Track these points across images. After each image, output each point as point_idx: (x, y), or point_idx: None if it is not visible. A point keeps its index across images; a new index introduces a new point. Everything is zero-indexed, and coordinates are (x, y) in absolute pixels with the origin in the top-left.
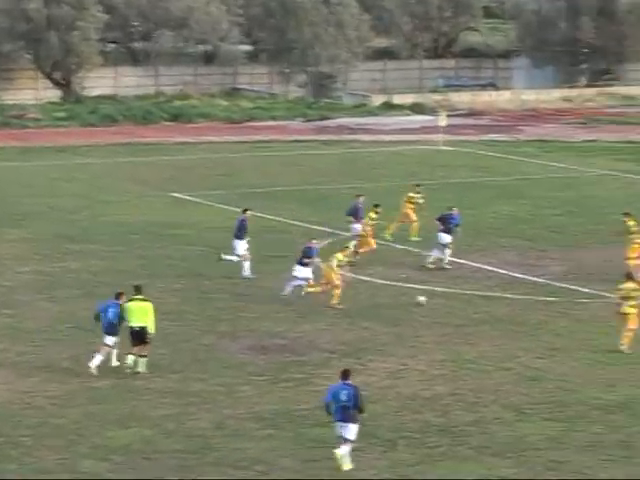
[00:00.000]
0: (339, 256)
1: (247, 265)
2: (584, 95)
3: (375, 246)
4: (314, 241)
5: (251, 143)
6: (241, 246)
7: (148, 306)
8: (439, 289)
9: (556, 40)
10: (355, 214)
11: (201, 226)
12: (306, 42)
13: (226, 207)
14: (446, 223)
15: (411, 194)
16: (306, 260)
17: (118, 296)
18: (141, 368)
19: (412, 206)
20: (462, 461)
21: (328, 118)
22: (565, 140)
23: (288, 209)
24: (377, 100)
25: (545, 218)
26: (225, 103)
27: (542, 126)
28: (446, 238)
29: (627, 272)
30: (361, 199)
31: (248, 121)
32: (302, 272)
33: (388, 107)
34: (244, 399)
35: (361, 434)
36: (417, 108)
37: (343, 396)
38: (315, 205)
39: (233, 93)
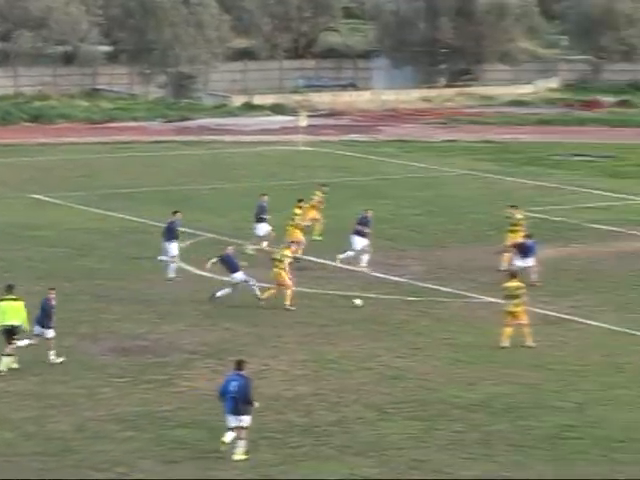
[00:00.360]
0: (287, 253)
1: (174, 267)
2: (443, 95)
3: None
4: (229, 248)
5: (112, 144)
6: (174, 248)
7: (20, 305)
8: (301, 289)
9: (415, 40)
10: (262, 213)
11: (61, 227)
12: (166, 42)
13: (86, 208)
14: (361, 226)
15: (319, 193)
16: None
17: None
18: (2, 367)
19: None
20: (325, 461)
21: (188, 119)
22: (425, 140)
23: (149, 210)
24: (237, 101)
25: (405, 218)
26: (85, 104)
27: (402, 126)
28: (360, 242)
29: (511, 271)
30: (265, 198)
31: (108, 122)
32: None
33: (248, 108)
34: (105, 401)
35: (223, 435)
36: (277, 109)
37: (232, 387)
38: (177, 206)
39: (93, 94)
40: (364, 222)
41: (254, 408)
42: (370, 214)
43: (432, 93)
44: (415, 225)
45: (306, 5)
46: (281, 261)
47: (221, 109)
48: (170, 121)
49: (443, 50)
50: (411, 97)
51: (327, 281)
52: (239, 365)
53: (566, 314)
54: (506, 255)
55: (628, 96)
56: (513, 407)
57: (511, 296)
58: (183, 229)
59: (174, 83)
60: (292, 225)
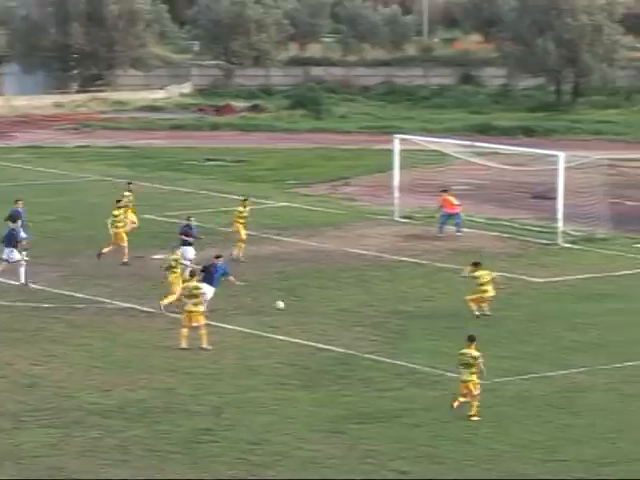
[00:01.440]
0: (177, 257)
1: (23, 270)
2: (76, 101)
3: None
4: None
5: None
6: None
7: None
8: None
9: (47, 46)
10: (17, 218)
11: None
12: None
13: None
14: (186, 235)
15: (127, 192)
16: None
17: None
18: None
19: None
20: None
21: None
22: (58, 146)
23: None
24: None
25: (40, 224)
26: None
27: (35, 132)
28: (190, 252)
29: (191, 271)
30: (20, 203)
31: None
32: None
33: None
34: None
35: None
36: None
37: None
38: None
39: None
40: (187, 231)
41: None
42: (193, 220)
43: (64, 99)
44: (50, 231)
45: None
46: (175, 266)
47: None
48: None
49: (75, 55)
50: (43, 103)
51: None
52: None
53: None
54: (242, 246)
55: (259, 101)
56: (149, 412)
57: (190, 296)
58: None
59: None
60: (116, 227)
